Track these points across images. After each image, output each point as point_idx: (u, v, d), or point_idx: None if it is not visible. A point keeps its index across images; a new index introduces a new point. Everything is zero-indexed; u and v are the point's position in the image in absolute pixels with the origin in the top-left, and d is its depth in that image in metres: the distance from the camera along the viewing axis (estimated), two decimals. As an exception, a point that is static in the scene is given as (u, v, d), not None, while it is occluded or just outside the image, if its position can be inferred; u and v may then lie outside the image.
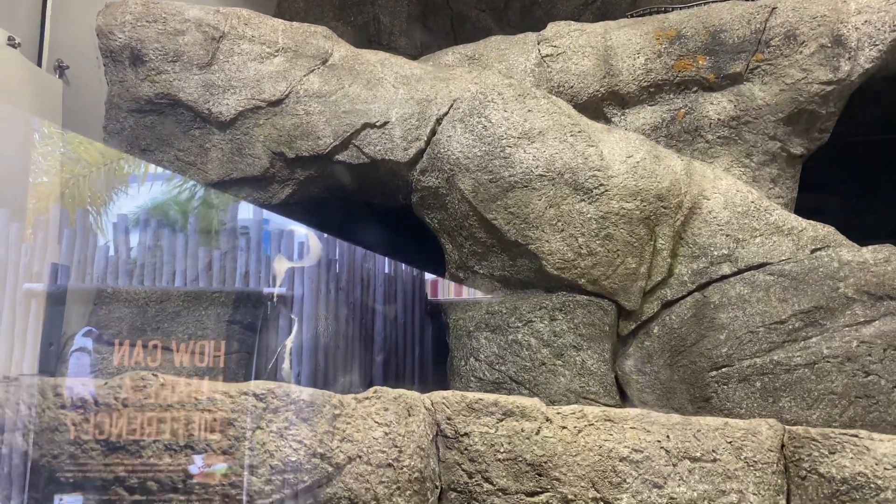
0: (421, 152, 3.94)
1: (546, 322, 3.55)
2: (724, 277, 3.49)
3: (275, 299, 3.67)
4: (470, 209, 3.72)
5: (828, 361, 3.26)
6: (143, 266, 3.97)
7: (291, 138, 3.99)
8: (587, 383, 3.46)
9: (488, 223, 3.68)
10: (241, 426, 1.98)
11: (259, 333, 4.16)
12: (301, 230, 3.90)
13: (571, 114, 3.73)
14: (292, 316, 3.52)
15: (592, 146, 3.57)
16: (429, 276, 5.24)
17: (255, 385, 2.06)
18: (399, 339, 4.50)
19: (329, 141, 3.98)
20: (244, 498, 1.93)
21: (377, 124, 3.96)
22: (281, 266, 3.80)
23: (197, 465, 1.90)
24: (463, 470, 2.42)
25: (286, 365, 3.41)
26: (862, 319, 3.28)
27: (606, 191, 3.52)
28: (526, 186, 3.61)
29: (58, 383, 1.97)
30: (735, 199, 3.55)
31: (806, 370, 3.28)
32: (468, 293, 5.99)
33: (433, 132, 3.94)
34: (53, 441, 1.91)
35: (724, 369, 3.36)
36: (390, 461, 2.20)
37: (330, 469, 2.06)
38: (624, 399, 3.48)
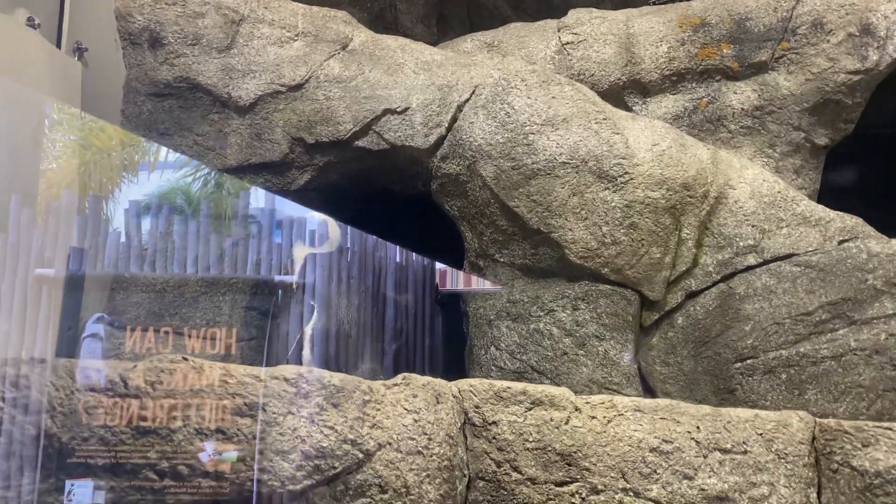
0: (442, 139, 3.90)
1: (568, 311, 3.51)
2: (749, 268, 3.44)
3: (294, 286, 3.64)
4: (491, 196, 3.68)
5: (855, 354, 3.22)
6: (156, 252, 3.94)
7: (311, 124, 3.95)
8: (610, 374, 3.42)
9: (510, 211, 3.64)
10: (273, 411, 1.94)
11: (271, 320, 4.12)
12: (320, 217, 3.85)
13: (596, 101, 3.67)
14: (311, 302, 3.48)
15: (618, 133, 3.52)
16: (439, 266, 5.20)
17: (286, 369, 2.02)
18: (409, 328, 4.45)
19: (349, 126, 3.93)
20: (275, 483, 1.90)
21: (398, 110, 3.92)
22: (300, 253, 3.76)
23: (215, 451, 1.86)
24: (491, 459, 2.39)
25: (307, 352, 3.37)
26: (891, 312, 3.23)
27: (631, 179, 3.47)
28: (549, 174, 3.57)
29: (86, 365, 1.94)
30: (762, 189, 3.50)
31: (833, 363, 3.23)
32: (479, 283, 5.94)
33: (454, 119, 3.89)
34: (82, 424, 1.88)
35: (749, 361, 3.32)
36: (420, 449, 2.16)
37: (360, 455, 2.03)
38: (646, 390, 3.44)
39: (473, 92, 3.89)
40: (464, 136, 3.76)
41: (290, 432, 1.94)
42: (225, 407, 1.92)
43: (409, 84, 3.95)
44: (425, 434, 2.20)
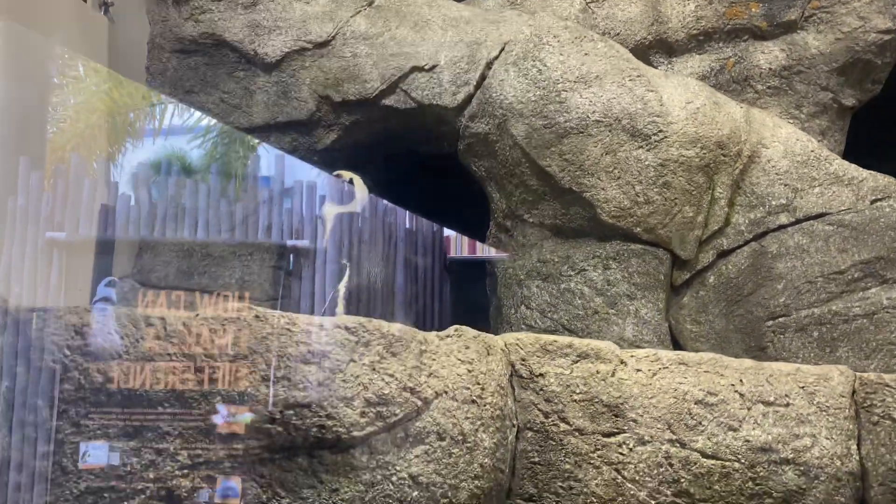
0: (470, 97, 3.87)
1: (600, 271, 3.51)
2: (781, 227, 3.45)
3: (325, 244, 3.63)
4: (522, 156, 3.66)
5: (887, 312, 3.24)
6: (177, 214, 3.91)
7: (338, 81, 3.91)
8: (641, 332, 3.44)
9: (541, 170, 3.63)
10: (336, 358, 1.95)
11: (283, 281, 4.11)
12: (348, 175, 3.83)
13: (630, 58, 3.65)
14: (343, 261, 3.48)
15: (652, 91, 3.50)
16: (448, 232, 5.19)
17: (347, 319, 2.03)
18: (419, 293, 4.42)
19: (376, 84, 3.90)
20: (340, 430, 1.91)
21: (425, 68, 3.88)
22: (329, 211, 3.75)
23: (229, 413, 1.85)
24: (539, 410, 2.41)
25: (340, 309, 3.38)
26: (923, 270, 3.25)
27: (666, 137, 3.46)
28: (582, 132, 3.55)
29: (150, 314, 1.94)
30: (795, 148, 3.49)
31: (865, 320, 3.26)
32: (485, 250, 5.94)
33: (483, 77, 3.86)
34: (151, 370, 1.89)
35: (780, 319, 3.34)
36: (474, 398, 2.18)
37: (419, 403, 2.04)
38: (676, 349, 3.46)
39: (503, 49, 3.85)
40: (494, 95, 3.73)
41: (352, 380, 1.95)
42: (290, 355, 1.92)
43: (436, 41, 3.91)
44: (478, 384, 2.21)
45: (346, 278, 3.48)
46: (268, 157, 4.23)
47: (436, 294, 4.18)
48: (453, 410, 2.08)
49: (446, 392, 2.09)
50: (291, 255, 3.96)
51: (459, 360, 2.19)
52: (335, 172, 3.81)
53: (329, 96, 3.92)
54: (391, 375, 2.01)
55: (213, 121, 4.20)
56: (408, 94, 3.90)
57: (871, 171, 3.49)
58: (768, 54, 4.21)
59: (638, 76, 3.56)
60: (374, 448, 1.95)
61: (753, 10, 4.25)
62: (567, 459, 2.38)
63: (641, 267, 3.50)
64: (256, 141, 4.18)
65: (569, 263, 3.57)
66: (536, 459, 2.39)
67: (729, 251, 3.50)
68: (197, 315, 1.95)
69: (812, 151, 3.50)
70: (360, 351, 1.98)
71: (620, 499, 2.35)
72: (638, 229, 3.49)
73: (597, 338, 3.41)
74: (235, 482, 1.79)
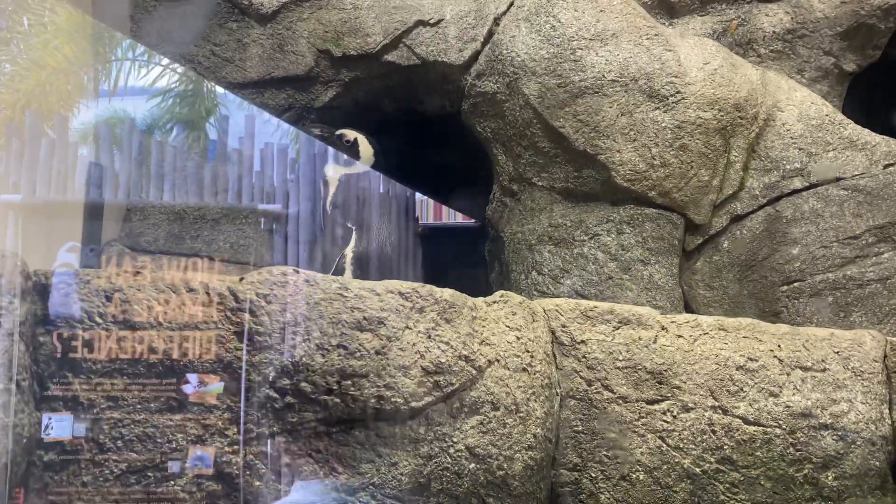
0: (476, 54, 3.72)
1: (613, 235, 3.44)
2: (795, 192, 3.42)
3: (329, 208, 3.46)
4: (534, 116, 3.54)
5: (901, 277, 3.25)
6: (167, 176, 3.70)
7: (338, 35, 3.71)
8: (654, 298, 3.38)
9: (554, 131, 3.51)
10: (392, 325, 1.82)
11: (256, 247, 3.93)
12: (352, 134, 3.66)
13: (646, 15, 3.54)
14: (349, 224, 3.33)
15: (670, 51, 3.41)
16: (419, 197, 5.06)
17: (399, 284, 1.89)
18: (393, 261, 4.29)
19: (379, 39, 3.71)
20: (398, 401, 1.79)
21: (430, 22, 3.71)
22: (334, 172, 3.57)
23: (199, 382, 1.71)
24: (581, 377, 2.33)
25: (347, 275, 3.24)
26: (936, 236, 3.26)
27: (683, 98, 3.37)
28: (597, 92, 3.44)
29: (191, 278, 1.77)
30: (809, 112, 3.45)
31: (878, 285, 3.26)
32: (453, 216, 5.82)
33: (490, 33, 3.71)
34: (195, 339, 1.73)
35: (795, 284, 3.33)
36: (524, 366, 2.08)
37: (474, 372, 1.94)
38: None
39: (512, 3, 3.70)
40: (504, 52, 3.59)
41: (409, 347, 1.83)
42: (344, 321, 1.79)
43: (443, -6, 3.73)
44: (528, 352, 2.11)
45: (352, 242, 3.33)
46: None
47: (409, 261, 4.03)
48: (506, 379, 1.98)
49: (498, 360, 1.99)
50: (263, 220, 3.79)
51: (508, 326, 2.09)
52: (338, 132, 3.64)
53: (329, 50, 3.72)
54: (447, 343, 1.89)
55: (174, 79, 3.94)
56: (411, 49, 3.73)
57: (884, 136, 3.48)
58: (772, 17, 4.14)
59: (655, 35, 3.45)
60: (431, 419, 1.84)
61: (759, -30, 4.17)
62: (611, 428, 2.31)
63: (656, 231, 3.43)
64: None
65: (581, 228, 3.48)
66: (580, 428, 2.31)
67: (743, 216, 3.46)
68: (242, 279, 1.79)
69: (827, 115, 3.46)
70: (414, 318, 1.86)
71: (665, 467, 2.30)
72: (653, 193, 3.42)
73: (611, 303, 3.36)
74: (208, 452, 1.66)
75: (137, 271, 1.78)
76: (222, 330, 1.73)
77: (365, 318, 1.79)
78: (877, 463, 2.48)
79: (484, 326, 2.01)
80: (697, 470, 2.31)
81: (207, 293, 1.75)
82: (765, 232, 3.41)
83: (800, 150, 3.45)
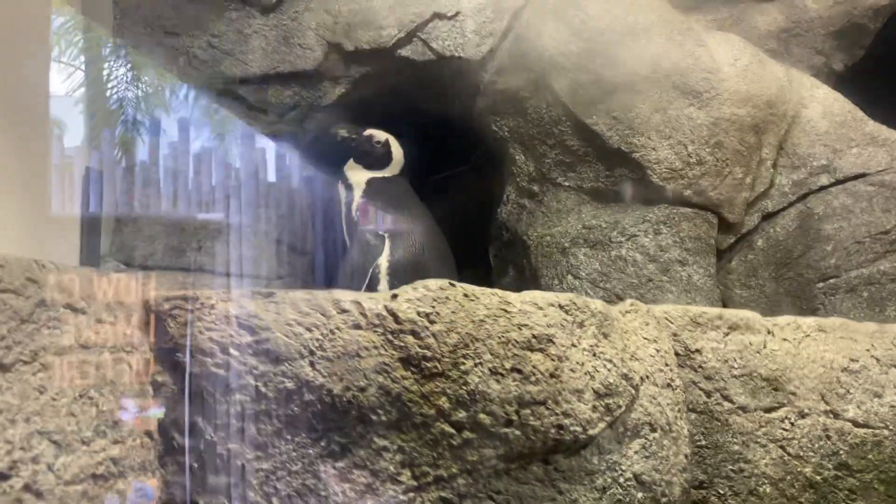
0: (494, 49, 3.53)
1: (651, 236, 3.33)
2: (823, 188, 3.42)
3: (355, 215, 3.17)
4: (564, 113, 3.39)
5: (930, 270, 3.30)
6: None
7: (349, 27, 3.43)
8: (694, 299, 3.30)
9: (587, 129, 3.37)
10: (560, 343, 1.60)
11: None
12: (381, 135, 3.37)
13: (673, 10, 3.45)
14: (381, 233, 3.06)
15: (702, 46, 3.33)
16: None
17: (558, 296, 1.68)
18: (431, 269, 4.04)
19: (393, 32, 3.46)
20: (577, 429, 1.57)
21: (447, 15, 3.49)
22: (358, 177, 3.28)
23: (138, 408, 1.46)
24: (700, 389, 2.18)
25: (382, 286, 2.96)
26: (958, 228, 3.34)
27: (718, 95, 3.31)
28: (630, 89, 3.33)
29: (341, 297, 1.48)
30: (833, 109, 3.47)
31: (910, 279, 3.30)
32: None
33: (509, 27, 3.53)
34: (356, 369, 1.44)
35: (831, 280, 3.32)
36: (668, 381, 1.91)
37: (633, 391, 1.74)
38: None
39: (529, -2, 3.53)
40: (529, 47, 3.41)
41: (579, 368, 1.61)
42: (514, 341, 1.55)
43: (458, -15, 3.52)
44: (668, 365, 1.94)
45: (386, 251, 3.06)
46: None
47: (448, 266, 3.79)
48: (657, 397, 1.80)
49: (648, 376, 1.81)
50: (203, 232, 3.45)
51: (646, 338, 1.91)
52: (366, 132, 3.34)
53: (340, 44, 3.43)
54: (610, 361, 1.69)
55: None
56: (427, 43, 3.49)
57: (900, 132, 3.54)
58: (767, 16, 4.18)
59: (687, 29, 3.38)
60: (602, 447, 1.63)
61: (755, -31, 4.19)
62: (734, 440, 2.18)
63: (693, 231, 3.35)
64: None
65: (618, 229, 3.35)
66: (703, 443, 2.16)
67: (774, 213, 3.44)
68: (395, 296, 1.53)
69: (849, 112, 3.49)
70: (577, 333, 1.65)
71: (789, 477, 2.19)
72: (688, 192, 3.33)
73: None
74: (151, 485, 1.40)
75: (270, 292, 1.48)
76: (385, 357, 1.45)
77: (534, 336, 1.57)
78: (968, 458, 2.45)
79: (628, 339, 1.82)
80: (818, 478, 2.21)
81: (363, 314, 1.47)
82: (798, 229, 3.39)
83: (825, 146, 3.46)
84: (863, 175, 3.41)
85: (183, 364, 1.40)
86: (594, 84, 3.33)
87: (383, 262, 3.03)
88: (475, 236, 4.00)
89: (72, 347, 1.17)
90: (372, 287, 3.04)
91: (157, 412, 1.37)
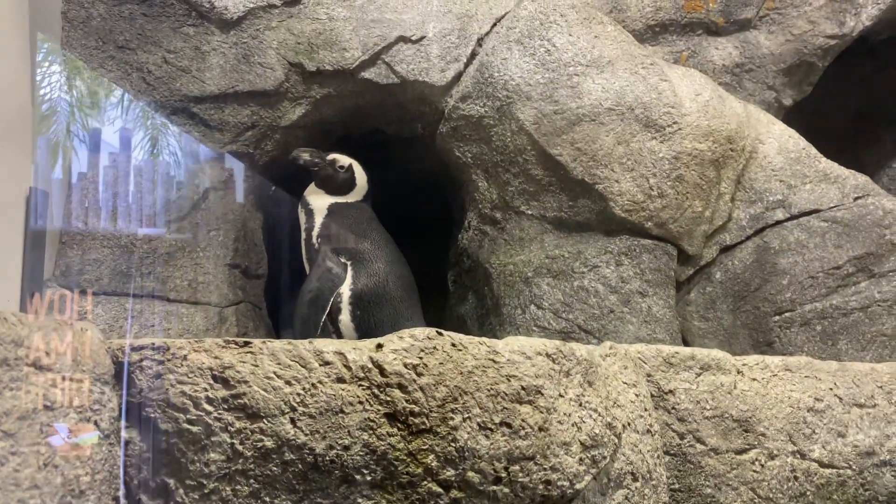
0: (459, 75, 3.50)
1: (613, 267, 3.33)
2: (778, 223, 3.48)
3: (315, 242, 3.07)
4: (529, 143, 3.37)
5: (879, 305, 3.39)
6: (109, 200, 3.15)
7: (312, 47, 3.35)
8: (654, 331, 3.31)
9: (551, 159, 3.36)
10: (549, 395, 1.54)
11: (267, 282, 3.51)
12: (345, 159, 3.29)
13: (638, 44, 3.48)
14: (342, 259, 2.97)
15: (665, 80, 3.36)
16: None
17: (541, 343, 1.62)
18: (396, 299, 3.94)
19: (357, 54, 3.39)
20: (564, 484, 1.52)
21: (412, 39, 3.44)
22: (320, 202, 3.18)
23: (69, 433, 1.38)
24: (674, 431, 2.16)
25: (344, 316, 2.88)
26: (905, 265, 3.44)
27: (680, 129, 3.34)
28: (594, 120, 3.33)
29: (323, 348, 1.38)
30: (788, 145, 3.54)
31: (860, 314, 3.38)
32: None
33: (473, 54, 3.51)
34: (339, 426, 1.34)
35: (787, 314, 3.38)
36: (648, 427, 1.88)
37: (616, 440, 1.70)
38: (685, 346, 3.38)
39: (494, 26, 3.52)
40: (495, 74, 3.39)
41: (566, 419, 1.56)
42: (503, 393, 1.49)
43: (423, 9, 3.48)
44: (646, 410, 1.91)
45: (349, 279, 2.97)
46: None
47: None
48: (638, 444, 1.77)
49: (630, 423, 1.78)
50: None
51: (624, 383, 1.88)
52: (329, 156, 3.25)
53: (301, 64, 3.35)
54: (595, 410, 1.65)
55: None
56: (391, 67, 3.44)
57: (850, 170, 3.64)
58: (722, 51, 4.26)
59: (651, 64, 3.40)
60: (587, 500, 1.58)
61: (711, 5, 4.28)
62: (707, 483, 2.16)
63: (653, 263, 3.36)
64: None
65: (580, 259, 3.35)
66: (677, 486, 2.14)
67: (732, 246, 3.48)
68: (380, 346, 1.45)
69: (803, 149, 3.57)
70: (564, 383, 1.60)
71: (759, 520, 2.18)
72: (649, 224, 3.35)
73: (613, 338, 3.24)
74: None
75: (247, 342, 1.38)
76: (370, 412, 1.37)
77: (523, 388, 1.51)
78: (924, 495, 2.51)
79: (610, 385, 1.79)
80: (786, 520, 2.21)
81: (347, 366, 1.39)
82: (755, 263, 3.44)
83: (780, 182, 3.53)
84: (816, 211, 3.49)
85: (153, 420, 1.29)
86: (559, 115, 3.32)
87: (345, 290, 2.94)
88: (432, 261, 3.95)
89: (36, 410, 1.05)
90: (333, 316, 2.95)
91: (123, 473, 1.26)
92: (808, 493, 2.28)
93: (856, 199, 3.55)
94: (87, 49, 3.10)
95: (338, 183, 3.19)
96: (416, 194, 4.13)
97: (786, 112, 4.32)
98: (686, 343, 3.41)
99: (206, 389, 1.31)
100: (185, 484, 1.29)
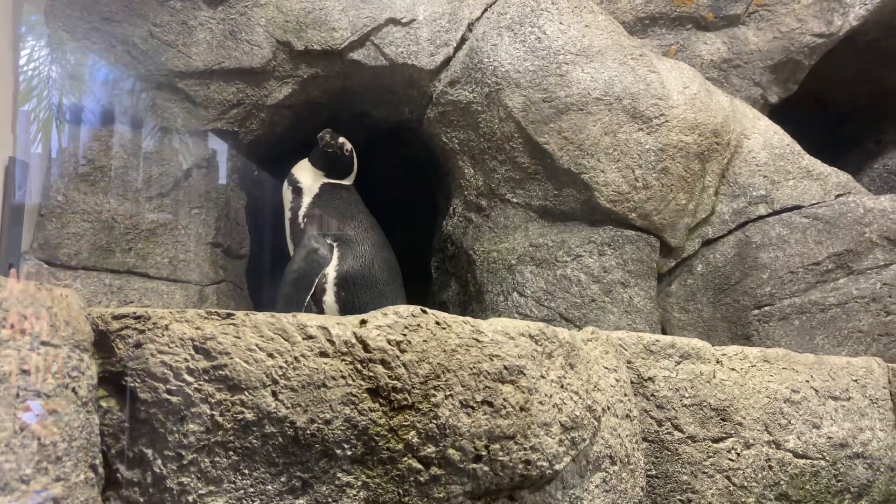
0: (448, 59, 3.49)
1: (595, 257, 3.34)
2: (760, 218, 3.51)
3: (302, 221, 3.05)
4: (516, 130, 3.37)
5: (856, 301, 3.43)
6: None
7: (301, 26, 3.32)
8: (634, 321, 3.33)
9: (538, 147, 3.36)
10: (531, 375, 1.54)
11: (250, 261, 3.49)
12: (339, 140, 3.25)
13: (628, 35, 3.48)
14: (329, 241, 2.95)
15: (654, 72, 3.37)
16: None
17: (525, 325, 1.62)
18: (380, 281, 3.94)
19: (346, 34, 3.37)
20: (544, 464, 1.52)
21: (402, 21, 3.42)
22: (310, 180, 3.15)
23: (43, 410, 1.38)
24: (652, 418, 2.18)
25: (328, 297, 2.86)
26: (882, 263, 3.48)
27: (667, 121, 3.35)
28: (582, 110, 3.33)
29: (307, 322, 1.37)
30: (773, 141, 3.57)
31: (838, 310, 3.42)
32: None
33: (463, 39, 3.50)
34: (321, 400, 1.33)
35: (766, 308, 3.41)
36: (627, 412, 1.89)
37: (595, 423, 1.71)
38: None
39: (484, 11, 3.51)
40: (484, 60, 3.38)
41: (547, 400, 1.57)
42: (485, 372, 1.49)
43: (413, -9, 3.45)
44: (626, 395, 1.92)
45: (335, 260, 2.95)
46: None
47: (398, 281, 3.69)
48: (617, 428, 1.78)
49: (609, 407, 1.78)
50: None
51: (605, 367, 1.89)
52: (325, 133, 3.22)
53: (289, 42, 3.32)
54: (576, 392, 1.65)
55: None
56: (380, 49, 3.41)
57: (833, 168, 3.67)
58: (711, 46, 4.28)
59: (640, 55, 3.41)
60: (565, 482, 1.59)
61: (701, 0, 4.29)
62: (683, 470, 2.18)
63: (635, 254, 3.38)
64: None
65: (564, 248, 3.35)
66: (653, 472, 2.16)
67: (714, 240, 3.50)
68: (364, 322, 1.44)
69: (788, 145, 3.59)
70: (546, 364, 1.60)
71: (733, 508, 2.20)
72: (633, 215, 3.36)
73: (594, 326, 3.25)
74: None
75: (229, 313, 1.37)
76: (353, 387, 1.36)
77: (505, 368, 1.51)
78: (894, 488, 2.55)
79: (591, 369, 1.79)
80: (760, 508, 2.23)
81: (330, 340, 1.38)
82: (736, 256, 3.47)
83: (764, 177, 3.55)
84: (798, 207, 3.52)
85: (131, 389, 1.27)
86: (547, 103, 3.32)
87: (331, 271, 2.92)
88: (414, 246, 3.94)
89: (12, 374, 1.04)
90: (317, 297, 2.93)
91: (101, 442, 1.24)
92: (782, 482, 2.30)
93: (837, 196, 3.59)
94: (71, 20, 3.05)
95: (339, 166, 3.18)
96: (401, 179, 4.13)
97: (771, 109, 4.35)
98: (665, 334, 3.43)
99: (186, 360, 1.30)
100: (163, 454, 1.28)
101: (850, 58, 4.44)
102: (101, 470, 1.21)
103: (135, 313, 1.32)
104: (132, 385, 1.27)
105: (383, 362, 1.39)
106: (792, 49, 4.25)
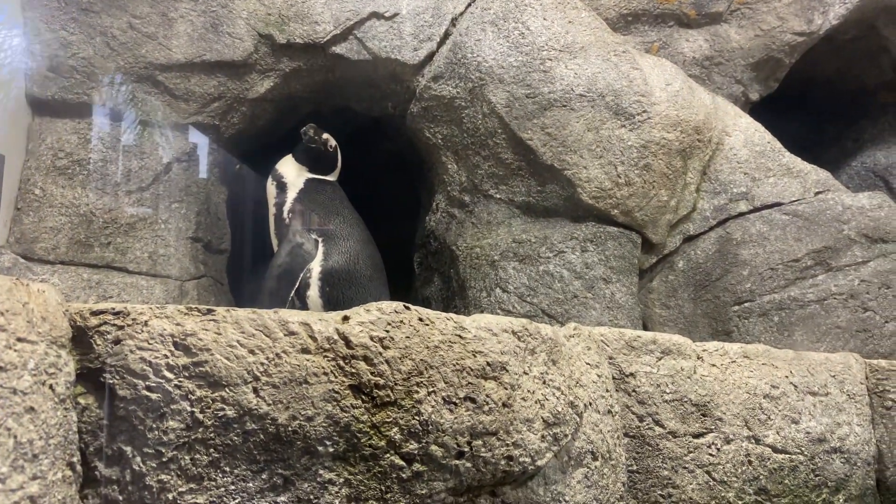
0: (432, 54, 3.48)
1: (578, 253, 3.35)
2: (741, 214, 3.54)
3: (287, 216, 3.03)
4: (500, 125, 3.36)
5: (835, 298, 3.47)
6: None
7: (283, 19, 3.29)
8: (616, 317, 3.35)
9: (521, 143, 3.36)
10: (514, 371, 1.54)
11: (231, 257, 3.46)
12: (322, 135, 3.23)
13: (611, 31, 3.48)
14: (314, 236, 2.94)
15: (637, 69, 3.38)
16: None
17: (508, 321, 1.62)
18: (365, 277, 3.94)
19: (328, 28, 3.35)
20: (526, 460, 1.52)
21: (385, 15, 3.41)
22: (295, 176, 3.13)
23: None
24: (633, 413, 2.19)
25: (312, 292, 2.85)
26: (860, 260, 3.52)
27: (649, 118, 3.36)
28: (565, 106, 3.33)
29: (288, 318, 1.36)
30: (754, 138, 3.59)
31: (817, 306, 3.45)
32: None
33: (447, 34, 3.49)
34: (303, 397, 1.32)
35: (746, 304, 3.44)
36: (609, 407, 1.89)
37: (577, 419, 1.71)
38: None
39: (468, 6, 3.50)
40: (469, 55, 3.37)
41: (529, 396, 1.57)
42: (468, 368, 1.48)
43: (397, -14, 3.44)
44: (608, 391, 1.93)
45: (319, 255, 2.94)
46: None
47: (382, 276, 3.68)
48: (598, 424, 1.79)
49: (591, 403, 1.79)
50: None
51: (587, 363, 1.89)
52: (309, 129, 3.19)
53: (272, 35, 3.29)
54: (558, 388, 1.66)
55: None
56: (363, 42, 3.40)
57: (813, 165, 3.70)
58: (693, 43, 4.30)
59: (623, 52, 3.42)
60: (547, 478, 1.59)
61: (684, -3, 4.31)
62: (664, 465, 2.19)
63: (618, 250, 3.39)
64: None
65: (546, 244, 3.36)
66: (635, 468, 2.17)
67: (695, 236, 3.52)
68: (346, 318, 1.43)
69: (768, 143, 3.62)
70: (529, 361, 1.60)
71: (713, 502, 2.22)
72: (615, 211, 3.38)
73: (576, 323, 3.26)
74: None
75: (210, 309, 1.36)
76: (335, 384, 1.36)
77: (488, 364, 1.51)
78: (871, 482, 2.58)
79: (573, 365, 1.80)
80: (740, 503, 2.26)
81: (312, 337, 1.37)
82: (717, 253, 3.49)
83: (745, 174, 3.58)
84: (778, 204, 3.55)
85: (110, 386, 1.26)
86: (530, 98, 3.32)
87: (315, 266, 2.91)
88: (396, 241, 3.93)
89: (-12, 371, 1.02)
90: (301, 292, 2.92)
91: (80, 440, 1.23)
92: (762, 477, 2.32)
93: (817, 193, 3.62)
94: (48, 10, 3.01)
95: (323, 161, 3.16)
96: (384, 174, 4.11)
97: (752, 107, 4.38)
98: (647, 330, 3.45)
99: (166, 356, 1.29)
100: (142, 452, 1.26)
101: (830, 56, 4.48)
102: (79, 468, 1.20)
103: (114, 309, 1.30)
104: (111, 382, 1.25)
105: (366, 359, 1.39)
106: (773, 47, 4.28)
